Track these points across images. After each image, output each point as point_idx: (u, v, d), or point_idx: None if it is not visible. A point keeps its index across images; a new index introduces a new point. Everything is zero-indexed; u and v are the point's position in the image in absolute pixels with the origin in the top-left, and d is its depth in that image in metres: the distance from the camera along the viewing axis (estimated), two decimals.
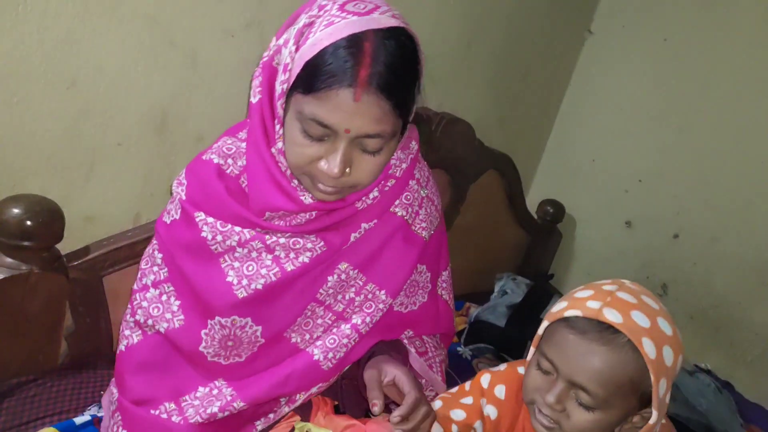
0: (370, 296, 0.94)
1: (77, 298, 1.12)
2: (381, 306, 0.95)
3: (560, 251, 2.17)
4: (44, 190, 1.03)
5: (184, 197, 0.88)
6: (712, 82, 1.71)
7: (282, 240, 0.86)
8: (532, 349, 0.85)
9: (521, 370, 0.93)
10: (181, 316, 0.89)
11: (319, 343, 0.92)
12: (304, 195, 0.83)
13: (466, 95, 1.77)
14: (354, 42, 0.70)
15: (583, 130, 2.06)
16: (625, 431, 0.79)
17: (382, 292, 0.94)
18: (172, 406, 0.89)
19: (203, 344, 0.88)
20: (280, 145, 0.80)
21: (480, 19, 1.67)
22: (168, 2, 1.12)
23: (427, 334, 1.08)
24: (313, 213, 0.87)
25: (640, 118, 1.89)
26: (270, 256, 0.87)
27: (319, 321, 0.93)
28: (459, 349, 1.57)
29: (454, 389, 0.99)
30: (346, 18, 0.71)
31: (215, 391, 0.90)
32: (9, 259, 1.00)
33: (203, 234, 0.85)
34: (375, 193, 0.89)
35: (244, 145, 0.88)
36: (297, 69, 0.73)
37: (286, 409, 0.93)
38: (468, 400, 0.94)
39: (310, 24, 0.73)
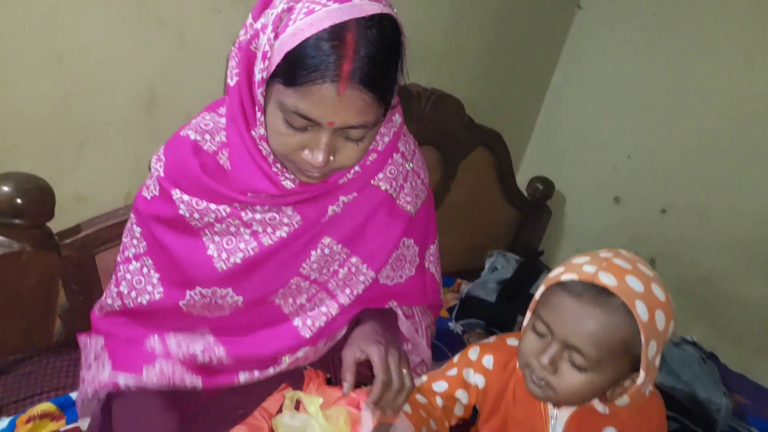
0: (354, 270, 0.96)
1: (70, 276, 1.13)
2: (364, 279, 0.96)
3: (550, 228, 2.18)
4: (35, 170, 1.04)
5: (162, 174, 0.88)
6: (701, 56, 1.71)
7: (258, 216, 0.87)
8: (528, 314, 0.86)
9: (510, 341, 0.95)
10: (161, 289, 0.91)
11: (300, 312, 0.96)
12: (285, 180, 0.84)
13: (456, 72, 1.77)
14: (336, 34, 0.67)
15: (572, 107, 2.07)
16: (616, 394, 0.81)
17: (366, 266, 0.96)
18: (157, 340, 0.93)
19: (184, 308, 0.92)
20: (261, 131, 0.80)
21: None
22: None
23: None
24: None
25: (629, 93, 1.90)
26: (248, 231, 0.88)
27: (304, 294, 0.95)
28: (450, 324, 1.59)
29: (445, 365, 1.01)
30: (326, 5, 0.68)
31: (198, 337, 0.94)
32: (1, 237, 1.00)
33: (180, 212, 0.87)
34: (356, 168, 0.90)
35: (223, 120, 0.88)
36: (277, 59, 0.71)
37: (271, 371, 0.95)
38: (453, 372, 0.97)
39: (289, 10, 0.70)
